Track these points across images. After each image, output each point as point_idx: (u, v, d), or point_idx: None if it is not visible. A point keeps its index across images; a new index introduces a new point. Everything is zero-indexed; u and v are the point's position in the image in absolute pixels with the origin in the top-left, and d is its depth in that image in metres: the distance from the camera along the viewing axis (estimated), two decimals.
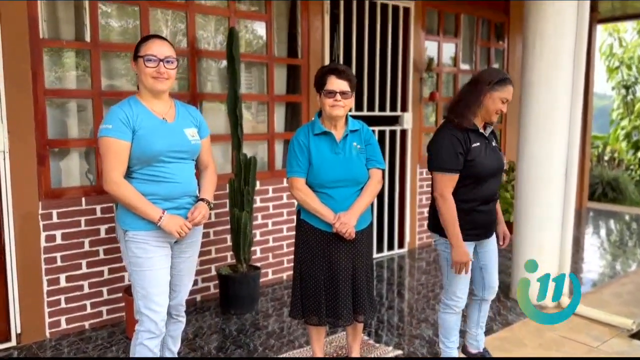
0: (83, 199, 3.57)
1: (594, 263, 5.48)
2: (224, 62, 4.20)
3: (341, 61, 5.08)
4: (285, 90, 4.73)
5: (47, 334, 3.50)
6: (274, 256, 4.62)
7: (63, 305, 3.54)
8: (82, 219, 3.57)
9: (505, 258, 4.87)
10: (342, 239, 2.67)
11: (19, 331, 3.39)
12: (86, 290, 3.62)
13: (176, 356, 2.76)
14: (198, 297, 4.19)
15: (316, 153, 2.69)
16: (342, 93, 2.64)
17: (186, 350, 3.33)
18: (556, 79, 3.94)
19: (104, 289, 3.70)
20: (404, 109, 5.54)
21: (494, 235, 2.97)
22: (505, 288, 4.43)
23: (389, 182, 5.42)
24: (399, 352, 3.35)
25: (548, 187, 4.01)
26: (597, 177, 9.69)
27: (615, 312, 3.90)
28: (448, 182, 2.68)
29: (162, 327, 2.46)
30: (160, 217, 2.35)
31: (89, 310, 3.65)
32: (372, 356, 3.28)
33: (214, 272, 4.23)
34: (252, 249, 4.32)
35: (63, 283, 3.52)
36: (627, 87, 11.95)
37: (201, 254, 2.72)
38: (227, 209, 4.16)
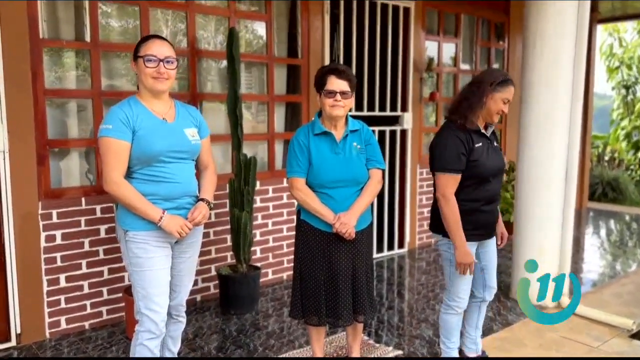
0: (83, 199, 3.57)
1: (594, 263, 5.47)
2: (224, 62, 4.20)
3: (341, 61, 5.08)
4: (285, 90, 4.73)
5: (47, 334, 3.50)
6: (274, 256, 4.62)
7: (63, 305, 3.54)
8: (82, 219, 3.57)
9: (505, 258, 4.87)
10: (342, 239, 2.67)
11: (18, 331, 3.38)
12: (86, 290, 3.62)
13: (176, 356, 2.76)
14: (198, 297, 4.19)
15: (316, 153, 2.69)
16: (342, 93, 2.63)
17: (186, 351, 3.33)
18: (556, 79, 3.94)
19: (104, 289, 3.70)
20: (404, 109, 5.53)
21: (494, 236, 2.98)
22: (505, 288, 4.43)
23: (389, 182, 5.42)
24: (399, 352, 3.34)
25: (548, 187, 4.00)
26: (597, 177, 9.69)
27: (615, 312, 3.90)
28: (451, 182, 2.68)
29: (163, 328, 2.46)
30: (161, 217, 2.35)
31: (88, 310, 3.65)
32: (372, 356, 3.28)
33: (214, 272, 4.23)
34: (252, 249, 4.32)
35: (63, 283, 3.52)
36: (627, 87, 11.95)
37: (201, 254, 2.72)
38: (227, 209, 4.15)
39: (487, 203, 2.78)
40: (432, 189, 2.85)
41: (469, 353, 3.11)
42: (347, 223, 2.62)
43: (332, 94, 2.63)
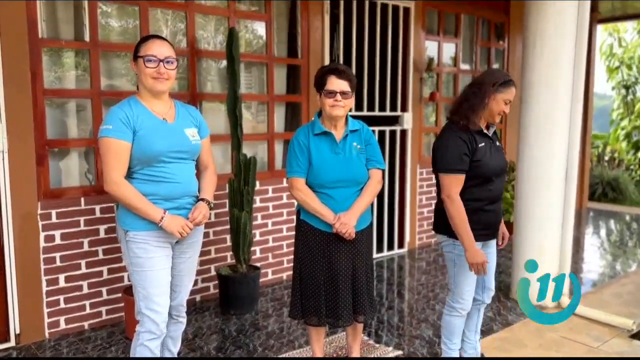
0: (82, 199, 3.57)
1: (594, 263, 5.47)
2: (224, 62, 4.19)
3: (341, 61, 5.07)
4: (285, 90, 4.72)
5: (46, 334, 3.49)
6: (274, 256, 4.62)
7: (62, 305, 3.54)
8: (82, 219, 3.56)
9: (505, 258, 4.86)
10: (342, 239, 2.67)
11: (18, 331, 3.38)
12: (85, 290, 3.62)
13: (175, 357, 2.75)
14: (198, 298, 4.19)
15: (316, 153, 2.68)
16: (343, 93, 2.63)
17: (185, 351, 3.33)
18: (556, 79, 3.93)
19: (103, 289, 3.69)
20: (404, 109, 5.53)
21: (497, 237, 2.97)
22: (505, 288, 4.43)
23: (389, 182, 5.42)
24: (399, 353, 3.34)
25: (548, 187, 4.00)
26: (597, 177, 9.69)
27: (615, 313, 3.90)
28: (455, 183, 2.67)
29: (163, 328, 2.45)
30: (162, 218, 2.34)
31: (88, 310, 3.64)
32: (372, 356, 3.27)
33: (213, 272, 4.23)
34: (252, 249, 4.32)
35: (62, 283, 3.52)
36: (627, 87, 11.95)
37: (201, 254, 2.72)
38: (226, 209, 4.15)
39: (490, 203, 2.77)
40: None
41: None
42: (347, 223, 2.62)
43: (332, 94, 2.62)
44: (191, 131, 2.51)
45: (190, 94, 4.05)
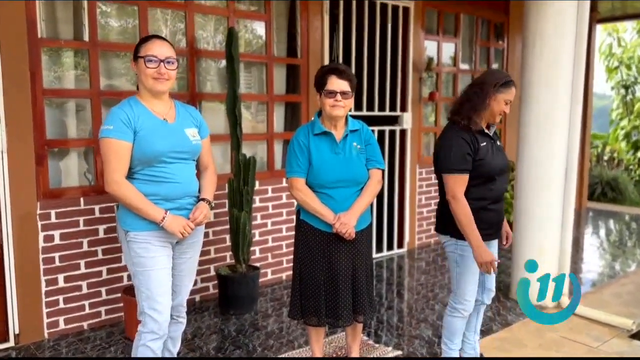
0: (82, 199, 3.56)
1: (594, 263, 5.47)
2: (223, 62, 4.19)
3: (341, 61, 5.07)
4: (285, 90, 4.72)
5: (46, 335, 3.49)
6: (273, 256, 4.62)
7: (61, 305, 3.53)
8: (81, 219, 3.56)
9: (505, 258, 4.86)
10: (341, 239, 2.66)
11: (17, 331, 3.38)
12: (85, 290, 3.61)
13: (175, 357, 2.75)
14: (197, 298, 4.18)
15: (316, 153, 2.68)
16: (343, 93, 2.63)
17: (185, 351, 3.32)
18: (556, 79, 3.93)
19: (103, 289, 3.69)
20: (403, 108, 5.53)
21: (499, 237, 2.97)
22: (505, 288, 4.43)
23: (389, 182, 5.42)
24: (398, 353, 3.34)
25: (548, 187, 4.00)
26: (596, 177, 9.69)
27: (615, 313, 3.90)
28: (459, 183, 2.67)
29: (165, 328, 2.45)
30: (163, 218, 2.34)
31: (87, 310, 3.64)
32: (372, 356, 3.27)
33: (213, 272, 4.22)
34: (252, 249, 4.32)
35: (61, 283, 3.51)
36: (626, 87, 11.96)
37: (200, 254, 2.71)
38: (226, 209, 4.15)
39: (493, 202, 2.78)
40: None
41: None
42: (347, 223, 2.61)
43: (332, 94, 2.62)
44: (191, 131, 2.51)
45: (190, 94, 4.05)
